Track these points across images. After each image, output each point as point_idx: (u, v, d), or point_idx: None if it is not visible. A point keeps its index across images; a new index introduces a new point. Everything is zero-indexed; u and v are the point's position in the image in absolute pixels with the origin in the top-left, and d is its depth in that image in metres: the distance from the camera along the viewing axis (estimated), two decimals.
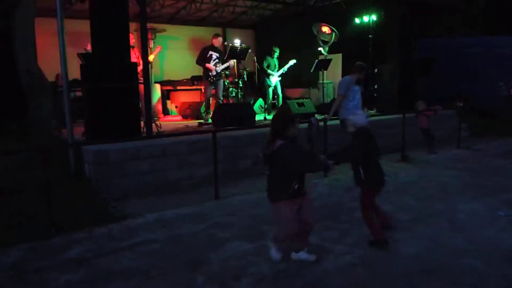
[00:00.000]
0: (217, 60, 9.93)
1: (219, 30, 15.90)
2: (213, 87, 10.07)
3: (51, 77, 9.99)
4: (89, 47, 9.78)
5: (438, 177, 7.27)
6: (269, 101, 11.98)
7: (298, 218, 3.88)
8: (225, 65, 10.01)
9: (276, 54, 11.74)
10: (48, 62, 9.54)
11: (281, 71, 11.78)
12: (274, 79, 11.69)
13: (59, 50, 6.87)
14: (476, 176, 7.30)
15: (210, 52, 9.91)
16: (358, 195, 4.52)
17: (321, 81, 12.84)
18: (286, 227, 3.89)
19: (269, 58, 11.71)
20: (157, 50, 10.52)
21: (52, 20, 10.81)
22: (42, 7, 11.43)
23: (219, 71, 9.92)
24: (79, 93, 10.43)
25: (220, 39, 10.13)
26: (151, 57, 9.85)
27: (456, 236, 4.66)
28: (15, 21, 11.62)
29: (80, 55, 9.92)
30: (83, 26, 10.11)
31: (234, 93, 11.38)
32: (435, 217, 5.27)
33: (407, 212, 5.47)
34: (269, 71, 11.61)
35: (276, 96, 12.14)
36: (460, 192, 6.35)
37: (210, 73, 9.89)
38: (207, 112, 10.08)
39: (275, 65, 11.73)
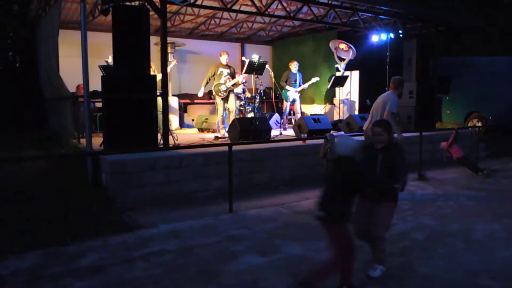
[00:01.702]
0: (228, 76, 10.06)
1: (237, 45, 16.12)
2: (224, 102, 10.18)
3: (71, 88, 10.18)
4: (110, 59, 10.02)
5: (455, 196, 7.19)
6: (285, 116, 11.99)
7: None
8: (234, 80, 10.13)
9: (296, 69, 11.77)
10: (70, 73, 9.75)
11: (302, 87, 11.77)
12: (292, 94, 11.71)
13: (81, 61, 7.02)
14: (493, 197, 7.19)
15: (221, 69, 10.04)
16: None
17: (337, 98, 12.87)
18: None
19: (288, 72, 11.74)
20: (172, 63, 10.67)
21: (74, 32, 11.16)
22: (65, 19, 11.75)
23: (229, 86, 10.04)
24: (98, 104, 10.63)
25: (226, 55, 10.25)
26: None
27: (472, 256, 4.59)
28: (39, 32, 11.96)
29: (101, 67, 10.14)
30: (104, 39, 10.35)
31: (250, 107, 11.45)
32: (452, 237, 5.20)
33: (423, 231, 5.40)
34: (287, 86, 11.63)
35: (293, 112, 12.13)
36: (477, 212, 6.26)
37: (220, 89, 10.00)
38: (222, 127, 10.18)
39: (295, 80, 11.73)
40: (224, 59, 10.16)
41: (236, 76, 10.34)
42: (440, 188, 7.82)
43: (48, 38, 9.97)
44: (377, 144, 4.06)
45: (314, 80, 11.82)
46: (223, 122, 10.23)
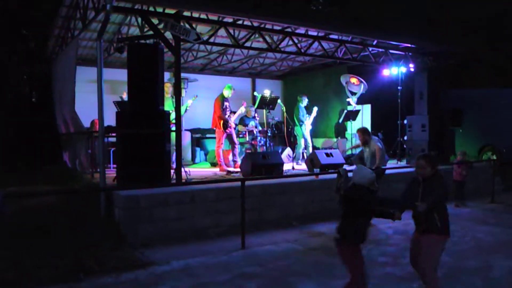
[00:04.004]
0: (230, 109, 10.22)
1: (248, 80, 16.35)
2: (226, 134, 10.25)
3: (86, 123, 10.35)
4: (124, 95, 10.21)
5: (471, 232, 7.05)
6: (299, 150, 11.99)
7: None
8: (237, 114, 10.30)
9: (306, 103, 11.88)
10: (85, 108, 9.92)
11: (311, 120, 11.87)
12: (308, 128, 11.78)
13: (95, 97, 7.18)
14: (510, 232, 7.03)
15: (226, 104, 10.17)
16: (388, 249, 4.41)
17: (349, 131, 12.87)
18: None
19: (300, 106, 11.84)
20: (191, 100, 10.83)
21: (90, 68, 11.45)
22: (80, 56, 12.06)
23: (236, 121, 10.23)
24: (112, 138, 10.76)
25: (232, 90, 10.40)
26: (187, 104, 10.27)
27: None
28: (55, 69, 12.28)
29: (115, 103, 10.32)
30: (119, 75, 10.60)
31: (262, 142, 11.49)
32: (469, 275, 5.08)
33: (440, 268, 5.25)
34: (302, 119, 11.70)
35: (305, 145, 12.13)
36: (494, 249, 6.12)
37: (228, 123, 10.10)
38: (234, 161, 10.24)
39: (307, 114, 11.84)
40: (231, 93, 10.29)
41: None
42: (456, 223, 7.65)
43: (64, 75, 10.23)
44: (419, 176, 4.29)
45: (315, 110, 11.94)
46: (234, 155, 10.32)
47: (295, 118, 11.78)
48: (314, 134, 13.61)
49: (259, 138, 11.54)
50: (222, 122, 10.03)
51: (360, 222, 3.90)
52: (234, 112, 10.52)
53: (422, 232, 4.13)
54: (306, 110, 11.95)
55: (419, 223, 4.16)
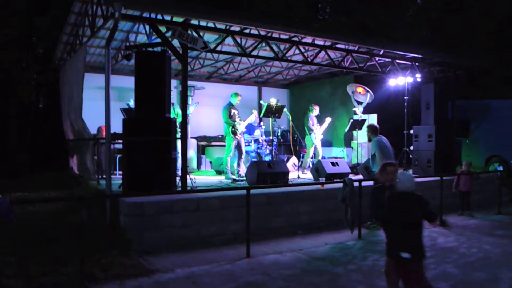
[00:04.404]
0: (239, 117, 10.24)
1: (255, 89, 16.37)
2: (236, 142, 10.28)
3: (93, 129, 10.40)
4: (131, 102, 10.26)
5: (479, 243, 6.97)
6: (307, 159, 11.96)
7: None
8: (247, 121, 10.31)
9: (317, 112, 11.89)
10: (91, 115, 9.97)
11: (322, 129, 11.87)
12: (318, 137, 11.78)
13: (102, 104, 7.21)
14: None
15: (233, 111, 10.20)
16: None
17: (355, 141, 12.84)
18: None
19: (311, 115, 11.84)
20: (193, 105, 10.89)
21: (96, 75, 11.53)
22: (88, 63, 12.15)
23: (245, 129, 10.23)
24: (118, 145, 10.79)
25: (240, 97, 10.46)
26: (189, 111, 10.29)
27: None
28: (63, 75, 12.37)
29: (122, 110, 10.37)
30: (126, 82, 10.64)
31: (268, 150, 11.48)
32: (477, 287, 5.02)
33: (447, 281, 5.22)
34: (311, 127, 11.70)
35: (314, 155, 12.08)
36: (502, 261, 6.05)
37: (237, 130, 10.12)
38: (238, 169, 10.25)
39: (317, 123, 11.84)
40: (238, 100, 10.33)
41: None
42: (462, 235, 7.61)
43: (72, 81, 10.29)
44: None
45: (327, 121, 11.93)
46: (238, 164, 10.32)
47: (305, 127, 11.78)
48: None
49: (264, 147, 11.54)
50: (231, 129, 10.07)
51: (422, 234, 3.74)
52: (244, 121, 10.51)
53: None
54: (318, 120, 11.94)
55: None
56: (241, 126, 10.27)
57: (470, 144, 14.61)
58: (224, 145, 12.88)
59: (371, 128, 8.10)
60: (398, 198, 3.87)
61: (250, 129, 11.50)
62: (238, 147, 10.35)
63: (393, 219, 3.81)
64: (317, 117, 11.99)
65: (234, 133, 10.11)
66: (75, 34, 10.73)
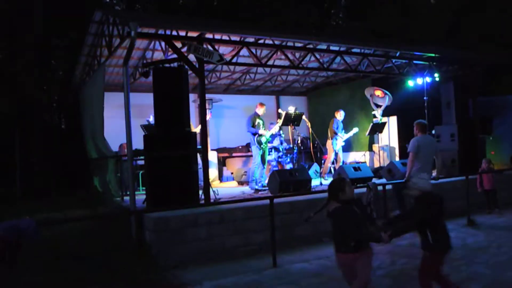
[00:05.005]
0: (263, 127, 10.21)
1: (272, 98, 16.37)
2: (261, 152, 10.25)
3: (115, 147, 10.55)
4: (151, 119, 10.37)
5: (509, 242, 6.80)
6: (328, 164, 11.87)
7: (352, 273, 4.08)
8: (271, 131, 10.27)
9: (342, 117, 11.84)
10: (113, 133, 10.13)
11: (346, 136, 11.82)
12: (340, 143, 11.72)
13: (123, 122, 7.32)
14: None
15: (258, 120, 10.19)
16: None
17: (377, 144, 12.73)
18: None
19: (336, 119, 11.79)
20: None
21: (116, 94, 11.70)
22: (107, 82, 12.36)
23: (268, 137, 10.18)
24: (140, 161, 10.92)
25: (265, 107, 10.42)
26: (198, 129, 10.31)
27: None
28: (83, 96, 12.61)
29: (142, 126, 10.50)
30: (145, 99, 10.78)
31: (289, 159, 11.45)
32: (509, 286, 4.88)
33: (479, 282, 5.10)
34: (338, 133, 11.64)
35: (335, 161, 11.99)
36: None
37: (261, 140, 10.10)
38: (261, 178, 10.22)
39: (342, 129, 11.79)
40: (263, 110, 10.32)
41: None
42: (492, 234, 7.43)
43: (92, 101, 10.47)
44: None
45: (355, 130, 11.85)
46: (261, 174, 10.28)
47: (328, 130, 11.70)
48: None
49: (285, 155, 11.50)
50: (257, 138, 10.07)
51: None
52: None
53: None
54: (343, 126, 11.88)
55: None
56: (265, 136, 10.22)
57: (494, 141, 14.30)
58: (244, 156, 12.87)
59: (415, 124, 7.88)
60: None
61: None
62: (262, 157, 10.34)
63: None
64: (342, 123, 11.91)
65: (260, 142, 10.11)
66: (93, 54, 10.95)
